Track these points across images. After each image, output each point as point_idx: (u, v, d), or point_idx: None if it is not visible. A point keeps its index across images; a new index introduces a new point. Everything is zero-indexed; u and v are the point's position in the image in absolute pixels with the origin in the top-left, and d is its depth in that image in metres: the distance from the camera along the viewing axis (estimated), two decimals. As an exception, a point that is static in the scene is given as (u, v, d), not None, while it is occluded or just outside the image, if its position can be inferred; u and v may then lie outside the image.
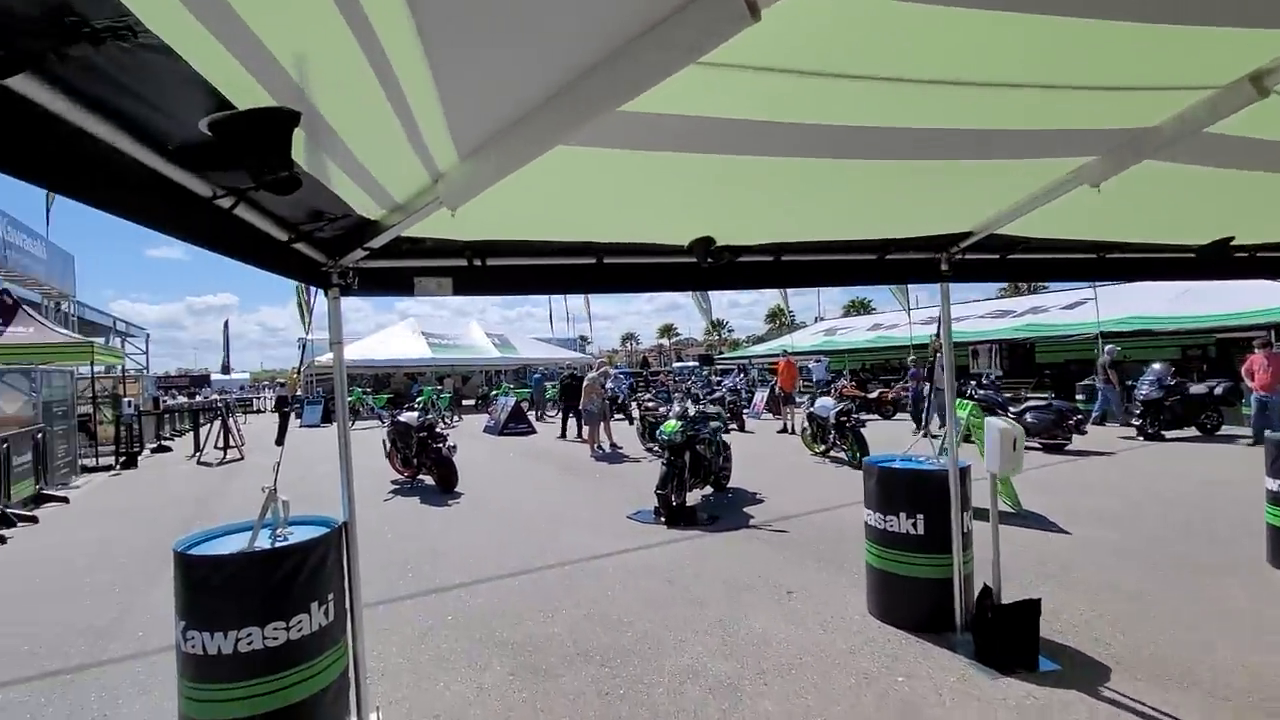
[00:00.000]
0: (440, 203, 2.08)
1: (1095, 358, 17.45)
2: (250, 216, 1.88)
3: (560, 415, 14.88)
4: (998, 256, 3.57)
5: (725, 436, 7.78)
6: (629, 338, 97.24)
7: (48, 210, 15.69)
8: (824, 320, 42.34)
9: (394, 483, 9.08)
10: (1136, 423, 11.51)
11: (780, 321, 76.57)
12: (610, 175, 2.27)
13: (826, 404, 9.88)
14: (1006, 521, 5.75)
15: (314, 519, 2.97)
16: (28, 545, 6.50)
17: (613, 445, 11.85)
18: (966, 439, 6.17)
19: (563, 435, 14.01)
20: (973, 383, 11.58)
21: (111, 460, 12.33)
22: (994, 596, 3.28)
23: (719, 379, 28.91)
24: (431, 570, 5.10)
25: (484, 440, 14.93)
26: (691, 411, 7.03)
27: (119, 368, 15.64)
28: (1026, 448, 9.96)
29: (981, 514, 3.54)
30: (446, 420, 19.30)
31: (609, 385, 12.64)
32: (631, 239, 2.92)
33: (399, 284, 2.92)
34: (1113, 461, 9.35)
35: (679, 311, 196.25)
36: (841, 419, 9.35)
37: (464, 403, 28.13)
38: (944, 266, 3.52)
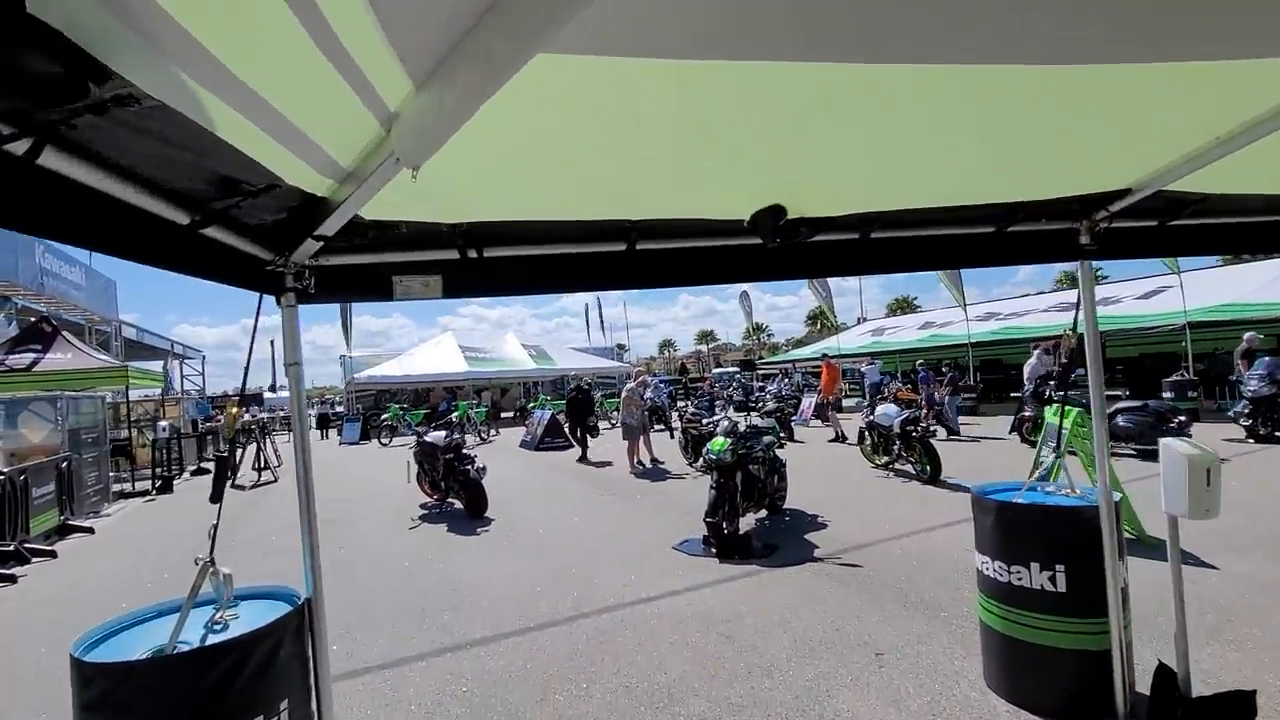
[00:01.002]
0: (397, 160, 1.40)
1: (1180, 351, 15.91)
2: (88, 176, 1.21)
3: (578, 436, 13.07)
4: (1155, 224, 2.71)
5: (778, 451, 6.95)
6: (666, 345, 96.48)
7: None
8: (868, 321, 40.59)
9: (422, 506, 8.53)
10: (1246, 422, 10.17)
11: (822, 324, 74.67)
12: (641, 116, 1.56)
13: (889, 412, 8.93)
14: (1129, 551, 4.78)
15: (269, 591, 2.33)
16: (36, 585, 6.13)
17: (653, 460, 11.11)
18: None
19: (583, 458, 12.44)
20: (1052, 382, 10.43)
21: (148, 485, 12.21)
22: (1181, 684, 2.42)
23: (760, 385, 27.89)
24: (450, 618, 4.43)
25: (519, 456, 14.39)
26: (741, 426, 6.23)
27: (158, 390, 15.64)
28: (1117, 454, 8.77)
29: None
30: (483, 435, 18.90)
31: (648, 395, 11.88)
32: (673, 214, 2.19)
33: (373, 285, 2.26)
34: (1227, 470, 8.13)
35: (715, 317, 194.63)
36: (908, 429, 8.39)
37: (502, 415, 27.86)
38: (1084, 239, 2.68)
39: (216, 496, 2.10)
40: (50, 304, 12.78)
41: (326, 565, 5.77)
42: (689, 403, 14.90)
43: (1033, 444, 10.80)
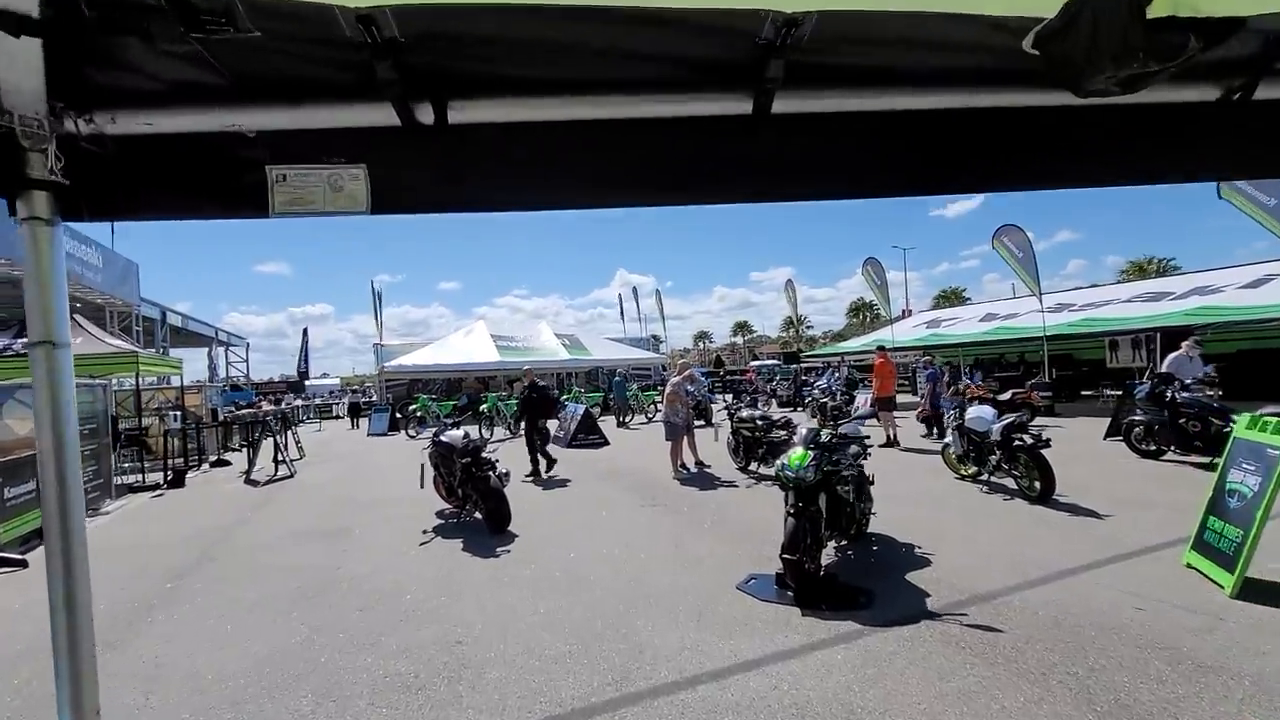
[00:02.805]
0: None
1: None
2: None
3: (527, 445, 10.06)
4: None
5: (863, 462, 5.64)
6: (701, 336, 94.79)
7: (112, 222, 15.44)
8: (913, 314, 37.72)
9: (439, 514, 7.49)
10: None
11: (865, 316, 71.77)
12: None
13: (984, 415, 7.51)
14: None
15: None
16: (-14, 606, 5.25)
17: (698, 463, 9.88)
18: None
19: (534, 473, 9.75)
20: (1176, 383, 8.82)
21: (161, 478, 11.52)
22: None
23: (804, 379, 26.28)
24: (447, 693, 3.30)
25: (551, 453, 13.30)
26: (824, 435, 4.95)
27: (176, 378, 15.05)
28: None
29: None
30: (512, 429, 17.93)
31: (694, 390, 10.59)
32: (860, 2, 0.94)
33: (221, 183, 1.10)
34: None
35: (751, 309, 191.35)
36: (1012, 436, 6.97)
37: (534, 407, 26.95)
38: None
39: None
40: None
41: (317, 593, 4.69)
42: (740, 399, 13.45)
43: (1145, 453, 9.23)
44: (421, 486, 7.41)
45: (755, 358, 64.16)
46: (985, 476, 7.62)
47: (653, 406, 21.79)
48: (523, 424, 10.45)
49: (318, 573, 5.52)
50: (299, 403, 30.33)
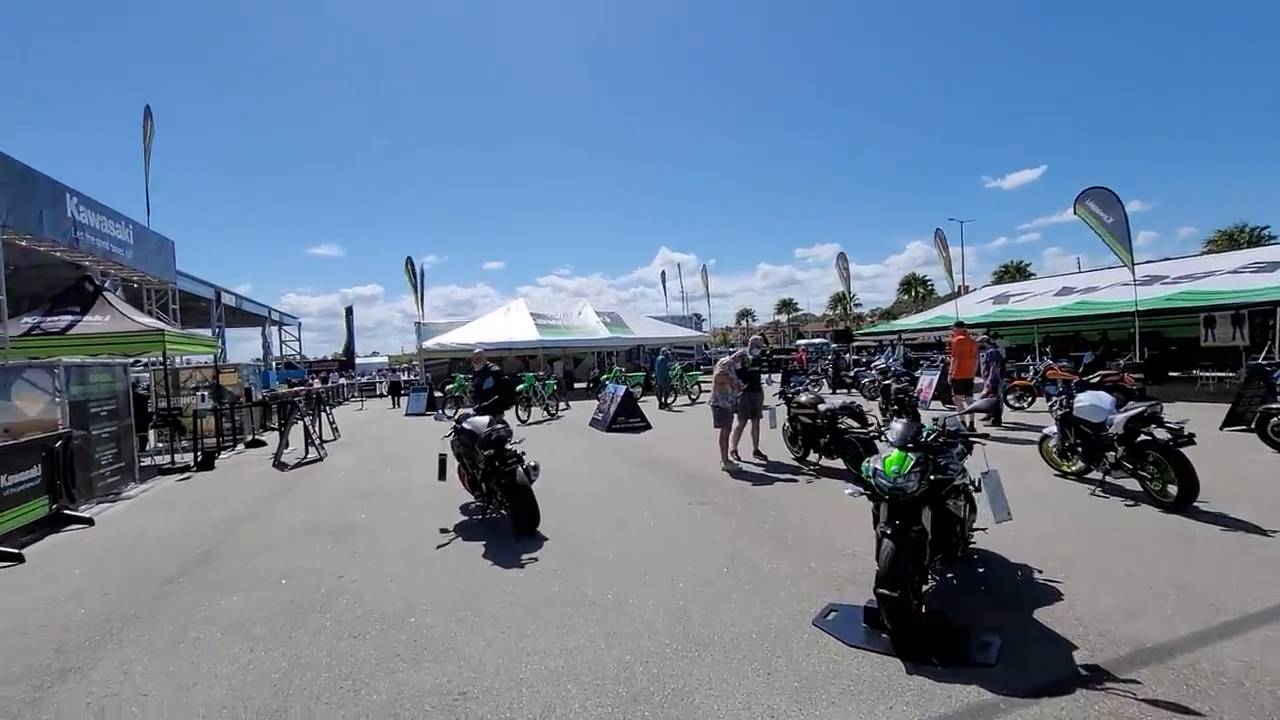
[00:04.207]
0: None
1: None
2: None
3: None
4: None
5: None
6: (744, 314, 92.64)
7: (147, 195, 15.20)
8: (973, 290, 34.98)
9: (463, 509, 6.77)
10: None
11: (916, 293, 68.44)
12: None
13: (1101, 403, 6.26)
14: None
15: None
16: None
17: (757, 453, 8.88)
18: None
19: None
20: (1265, 368, 7.33)
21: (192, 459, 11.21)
22: None
23: (855, 358, 24.74)
24: (441, 782, 2.47)
25: (588, 438, 12.53)
26: (924, 433, 3.89)
27: (213, 357, 14.80)
28: None
29: None
30: (550, 410, 17.26)
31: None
32: None
33: None
34: None
35: (795, 287, 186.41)
36: (1138, 429, 5.74)
37: (575, 385, 26.32)
38: None
39: None
40: (94, 263, 11.89)
41: (311, 609, 3.79)
42: (791, 381, 12.30)
43: (1284, 448, 7.79)
44: (440, 479, 6.70)
45: (801, 336, 62.13)
46: (1099, 476, 6.41)
47: (696, 387, 20.82)
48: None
49: (318, 581, 4.81)
50: (342, 381, 30.53)
